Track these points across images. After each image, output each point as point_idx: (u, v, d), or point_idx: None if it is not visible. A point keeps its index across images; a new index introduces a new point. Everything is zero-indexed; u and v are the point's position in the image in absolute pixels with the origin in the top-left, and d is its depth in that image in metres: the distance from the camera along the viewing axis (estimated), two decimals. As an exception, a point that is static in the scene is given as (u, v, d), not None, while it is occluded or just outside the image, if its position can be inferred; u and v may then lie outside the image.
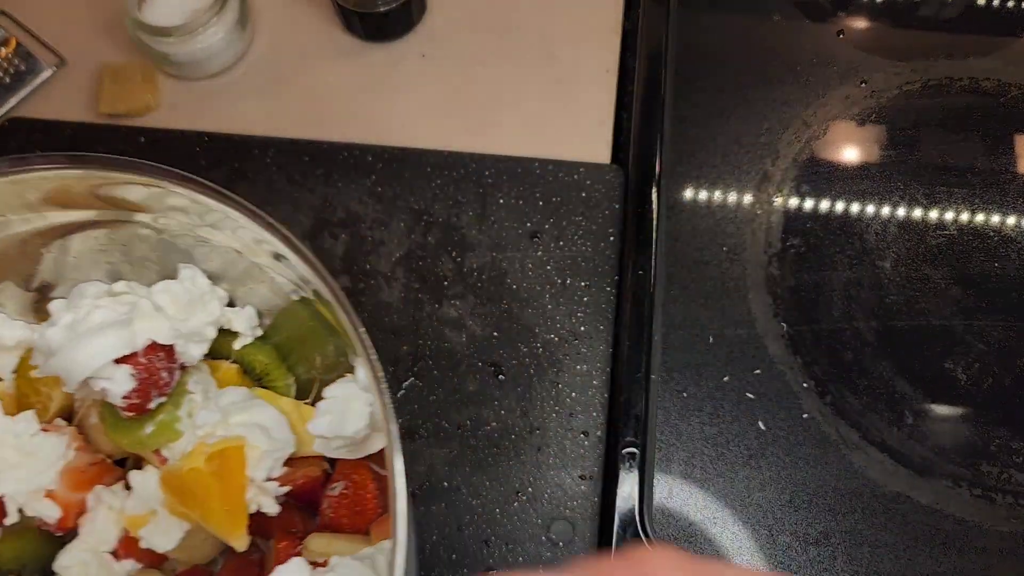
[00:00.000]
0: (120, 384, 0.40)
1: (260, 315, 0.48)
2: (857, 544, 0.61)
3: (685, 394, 0.65)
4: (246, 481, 0.42)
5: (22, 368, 0.44)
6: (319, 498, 0.45)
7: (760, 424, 0.64)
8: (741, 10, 0.80)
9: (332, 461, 0.46)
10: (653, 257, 0.67)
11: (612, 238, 0.68)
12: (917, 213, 0.71)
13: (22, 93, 0.73)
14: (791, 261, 0.69)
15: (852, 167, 0.73)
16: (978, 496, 0.63)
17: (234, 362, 0.47)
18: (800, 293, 0.68)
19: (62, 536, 0.46)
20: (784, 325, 0.67)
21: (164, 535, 0.43)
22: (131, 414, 0.41)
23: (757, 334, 0.67)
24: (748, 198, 0.72)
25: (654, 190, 0.70)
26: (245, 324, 0.46)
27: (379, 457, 0.44)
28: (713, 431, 0.64)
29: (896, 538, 0.61)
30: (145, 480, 0.44)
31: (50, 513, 0.44)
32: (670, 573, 0.23)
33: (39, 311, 0.44)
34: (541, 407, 0.63)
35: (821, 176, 0.73)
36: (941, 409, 0.65)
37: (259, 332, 0.48)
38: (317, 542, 0.44)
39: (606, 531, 0.60)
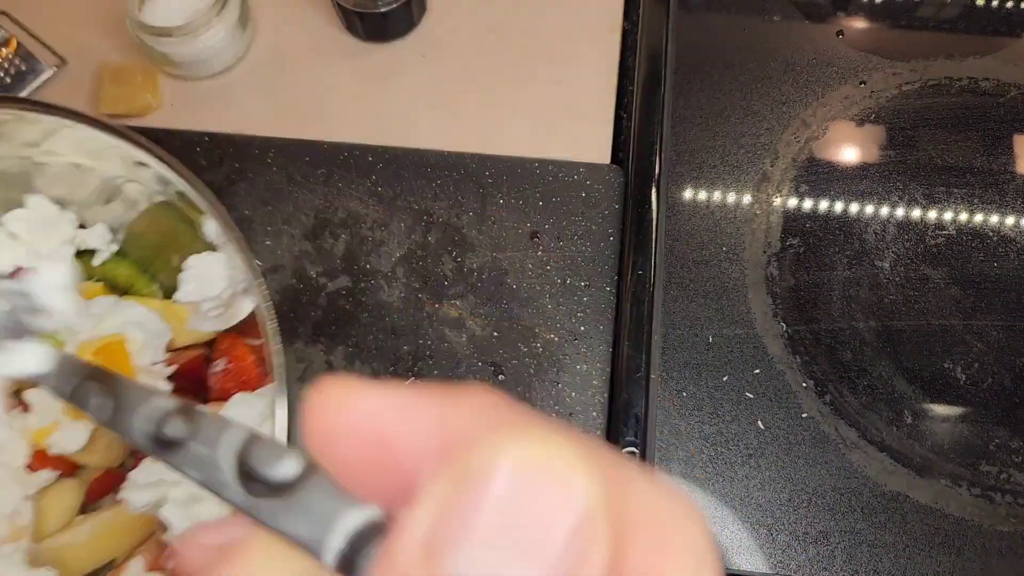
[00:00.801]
0: None
1: (113, 232, 0.50)
2: (857, 544, 0.61)
3: (685, 394, 0.65)
4: (133, 368, 0.46)
5: None
6: (205, 377, 0.49)
7: (759, 424, 0.64)
8: (741, 10, 0.80)
9: (210, 344, 0.50)
10: (653, 257, 0.67)
11: (612, 238, 0.68)
12: (916, 213, 0.71)
13: (22, 93, 0.73)
14: (790, 261, 0.70)
15: (851, 167, 0.73)
16: (977, 496, 0.63)
17: (98, 281, 0.50)
18: (799, 293, 0.68)
19: None
20: (783, 325, 0.67)
21: (71, 439, 0.46)
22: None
23: (756, 334, 0.67)
24: (747, 198, 0.72)
25: (654, 190, 0.70)
26: (99, 240, 0.49)
27: (250, 329, 0.47)
28: (712, 431, 0.64)
29: (896, 538, 0.61)
30: (40, 395, 0.46)
31: None
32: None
33: None
34: (541, 407, 0.63)
35: (820, 176, 0.73)
36: (940, 409, 0.65)
37: (115, 247, 0.50)
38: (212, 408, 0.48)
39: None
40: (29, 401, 0.47)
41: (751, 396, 0.65)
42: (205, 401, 0.50)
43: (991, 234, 0.71)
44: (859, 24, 0.79)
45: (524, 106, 0.75)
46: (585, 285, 0.67)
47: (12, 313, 0.35)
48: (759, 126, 0.74)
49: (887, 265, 0.70)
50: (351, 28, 0.76)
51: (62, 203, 0.47)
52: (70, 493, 0.49)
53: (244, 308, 0.46)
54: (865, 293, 0.69)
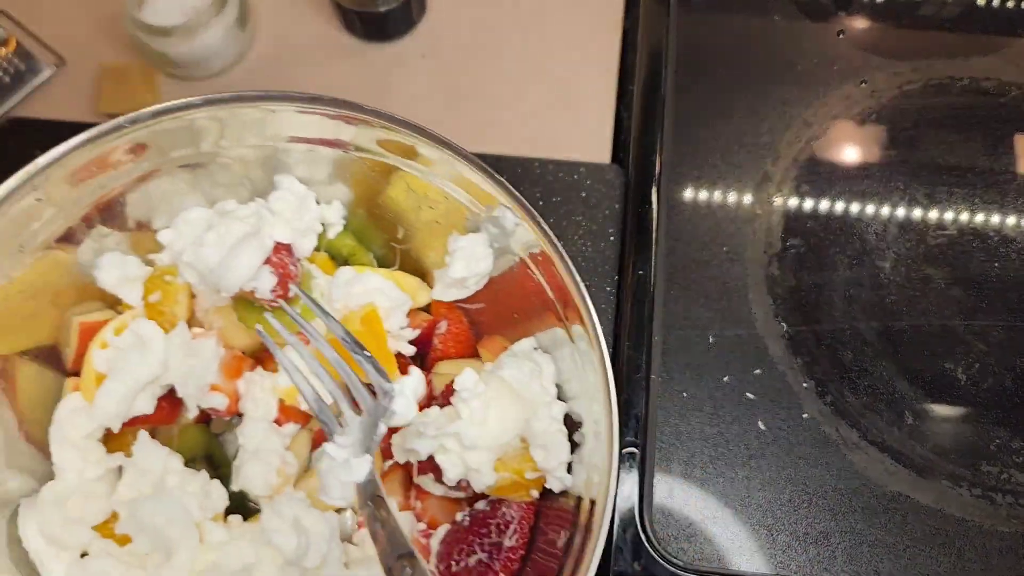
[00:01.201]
0: (266, 282, 0.48)
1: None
2: (857, 544, 0.61)
3: (685, 394, 0.65)
4: (385, 333, 0.52)
5: (147, 293, 0.51)
6: (431, 338, 0.55)
7: (760, 424, 0.64)
8: (741, 10, 0.80)
9: (426, 309, 0.57)
10: (653, 257, 0.67)
11: (612, 238, 0.68)
12: (917, 213, 0.71)
13: (22, 93, 0.73)
14: (791, 261, 0.69)
15: (852, 167, 0.73)
16: (978, 496, 0.63)
17: (321, 251, 0.55)
18: (800, 293, 0.68)
19: (214, 430, 0.56)
20: (784, 325, 0.67)
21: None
22: (277, 304, 0.49)
23: (757, 334, 0.67)
24: (748, 198, 0.72)
25: (654, 190, 0.70)
26: (335, 216, 0.53)
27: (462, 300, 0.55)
28: (713, 431, 0.64)
29: (896, 538, 0.61)
30: (293, 356, 0.52)
31: (219, 402, 0.52)
32: None
33: (138, 247, 0.51)
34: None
35: (821, 176, 0.73)
36: (941, 409, 0.65)
37: (343, 222, 0.55)
38: (445, 366, 0.55)
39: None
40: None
41: (752, 397, 0.65)
42: (427, 359, 0.56)
43: (992, 234, 0.71)
44: (860, 24, 0.79)
45: (524, 106, 0.75)
46: (585, 285, 0.67)
47: (371, 421, 0.44)
48: (760, 126, 0.74)
49: (888, 265, 0.69)
50: (351, 28, 0.76)
51: (304, 183, 0.52)
52: (304, 442, 0.55)
53: (472, 283, 0.52)
54: (866, 293, 0.68)
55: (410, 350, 0.55)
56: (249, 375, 0.53)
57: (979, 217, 0.71)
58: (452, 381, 0.52)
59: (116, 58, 0.75)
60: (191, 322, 0.53)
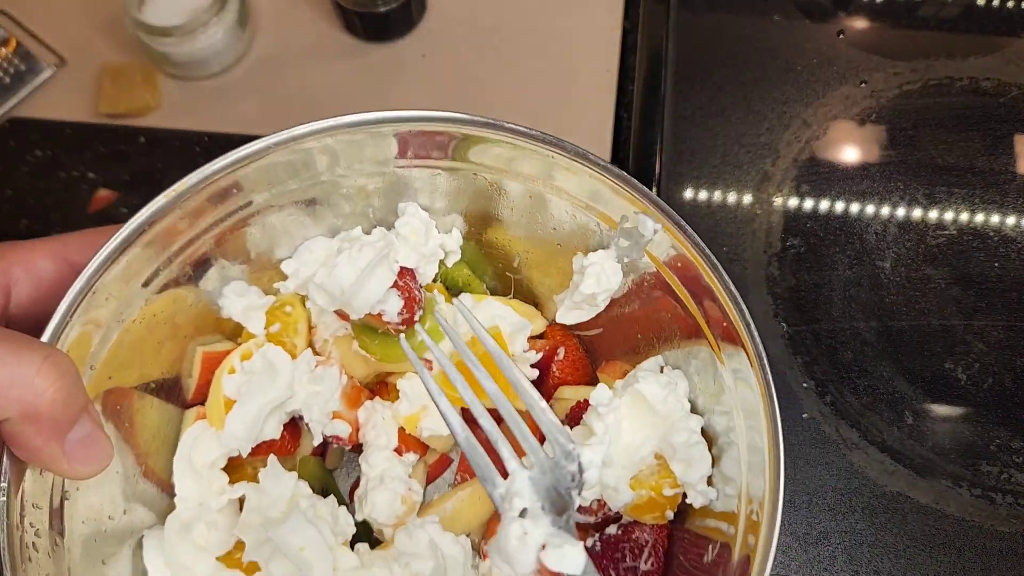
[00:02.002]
0: (393, 305, 0.48)
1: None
2: (857, 544, 0.61)
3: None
4: (511, 355, 0.53)
5: (267, 324, 0.52)
6: (550, 365, 0.56)
7: (760, 424, 0.64)
8: (741, 10, 0.80)
9: (540, 336, 0.57)
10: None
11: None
12: (917, 213, 0.71)
13: (22, 93, 0.73)
14: (791, 261, 0.69)
15: (852, 167, 0.73)
16: (978, 496, 0.63)
17: (435, 281, 0.55)
18: (800, 293, 0.68)
19: (329, 468, 0.57)
20: (784, 325, 0.67)
21: (443, 423, 0.50)
22: (403, 328, 0.50)
23: (757, 334, 0.67)
24: (748, 198, 0.72)
25: (654, 190, 0.70)
26: (454, 244, 0.54)
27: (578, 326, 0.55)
28: (713, 431, 0.64)
29: (896, 538, 0.61)
30: (413, 384, 0.53)
31: (343, 430, 0.53)
32: None
33: (259, 279, 0.52)
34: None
35: (821, 176, 0.73)
36: (941, 409, 0.65)
37: (460, 251, 0.55)
38: (567, 391, 0.55)
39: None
40: (401, 389, 0.53)
41: (751, 396, 0.65)
42: (545, 386, 0.56)
43: (992, 234, 0.71)
44: (860, 24, 0.79)
45: (524, 106, 0.75)
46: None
47: (554, 487, 0.39)
48: (760, 126, 0.74)
49: (888, 265, 0.70)
50: (351, 28, 0.76)
51: (426, 210, 0.52)
52: (421, 472, 0.56)
53: (601, 302, 0.52)
54: (866, 293, 0.68)
55: (533, 373, 0.56)
56: (370, 404, 0.54)
57: (979, 217, 0.71)
58: (576, 404, 0.51)
59: (116, 58, 0.75)
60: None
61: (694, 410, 0.49)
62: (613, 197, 0.46)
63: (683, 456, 0.47)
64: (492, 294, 0.57)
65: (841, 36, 0.78)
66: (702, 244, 0.44)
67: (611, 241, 0.49)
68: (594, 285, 0.49)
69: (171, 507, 0.49)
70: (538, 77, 0.76)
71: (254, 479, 0.51)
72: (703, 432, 0.48)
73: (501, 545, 0.38)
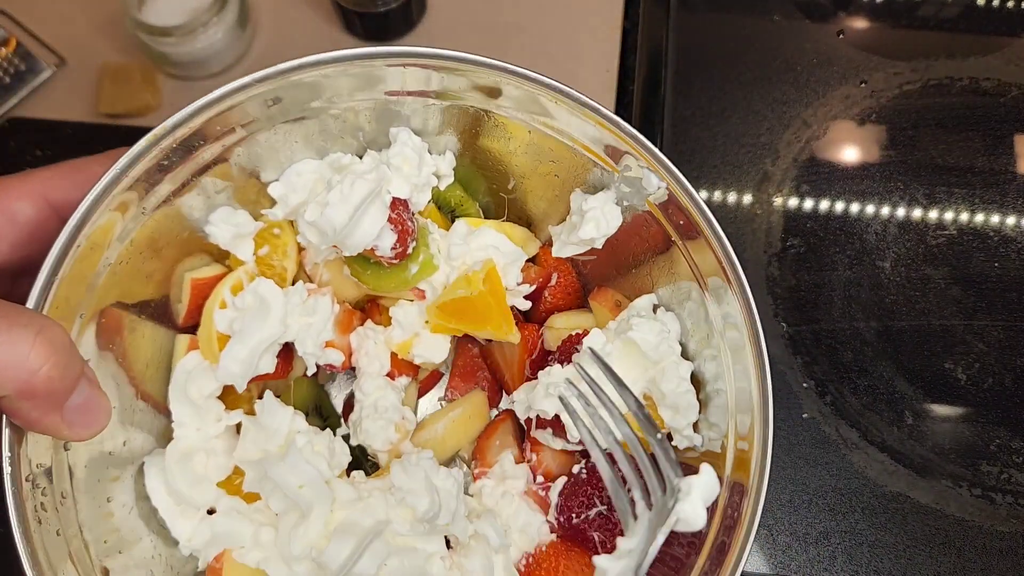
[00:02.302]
0: (386, 240, 0.48)
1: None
2: (857, 544, 0.61)
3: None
4: (504, 292, 0.52)
5: (256, 248, 0.51)
6: (542, 291, 0.56)
7: (760, 424, 0.64)
8: (741, 10, 0.80)
9: (532, 260, 0.56)
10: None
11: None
12: (917, 213, 0.71)
13: (22, 93, 0.73)
14: (791, 261, 0.69)
15: (852, 167, 0.73)
16: (978, 496, 0.63)
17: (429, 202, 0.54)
18: (800, 293, 0.68)
19: (320, 382, 0.58)
20: (784, 325, 0.67)
21: (435, 350, 0.53)
22: (396, 261, 0.49)
23: (757, 334, 0.67)
24: (748, 198, 0.72)
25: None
26: (448, 167, 0.53)
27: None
28: (713, 431, 0.64)
29: (896, 538, 0.61)
30: (406, 312, 0.53)
31: (336, 359, 0.53)
32: None
33: (245, 201, 0.50)
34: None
35: (821, 176, 0.73)
36: (941, 409, 0.65)
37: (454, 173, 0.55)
38: (559, 320, 0.55)
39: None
40: (393, 316, 0.53)
41: (752, 396, 0.65)
42: (537, 311, 0.56)
43: (992, 234, 0.71)
44: (860, 24, 0.79)
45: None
46: (585, 285, 0.67)
47: (656, 522, 0.39)
48: (760, 126, 0.74)
49: (888, 265, 0.70)
50: (351, 28, 0.76)
51: (417, 134, 0.51)
52: (412, 392, 0.57)
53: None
54: (866, 293, 0.68)
55: (525, 305, 0.55)
56: (362, 330, 0.54)
57: (979, 217, 0.71)
58: (569, 336, 0.51)
59: (116, 58, 0.75)
60: (297, 275, 0.54)
61: (684, 354, 0.49)
62: (617, 144, 0.46)
63: (672, 403, 0.47)
64: (484, 214, 0.56)
65: (841, 36, 0.78)
66: (693, 192, 0.45)
67: (612, 183, 0.48)
68: (593, 230, 0.49)
69: (168, 428, 0.49)
70: (538, 77, 0.76)
71: (250, 405, 0.51)
72: (692, 378, 0.48)
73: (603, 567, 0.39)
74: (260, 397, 0.51)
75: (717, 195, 0.72)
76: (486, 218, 0.56)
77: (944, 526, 0.62)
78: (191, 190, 0.46)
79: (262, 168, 0.49)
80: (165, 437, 0.49)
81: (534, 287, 0.55)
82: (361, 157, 0.50)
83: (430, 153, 0.52)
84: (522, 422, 0.54)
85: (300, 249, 0.52)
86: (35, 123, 0.72)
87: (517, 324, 0.53)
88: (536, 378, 0.52)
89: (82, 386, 0.36)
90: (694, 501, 0.39)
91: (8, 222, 0.39)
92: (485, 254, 0.52)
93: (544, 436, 0.52)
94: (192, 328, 0.51)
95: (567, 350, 0.51)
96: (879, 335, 0.67)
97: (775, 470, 0.62)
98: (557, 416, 0.49)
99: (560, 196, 0.52)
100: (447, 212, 0.55)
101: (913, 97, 0.76)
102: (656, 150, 0.45)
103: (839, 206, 0.71)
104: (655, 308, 0.51)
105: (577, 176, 0.50)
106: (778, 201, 0.72)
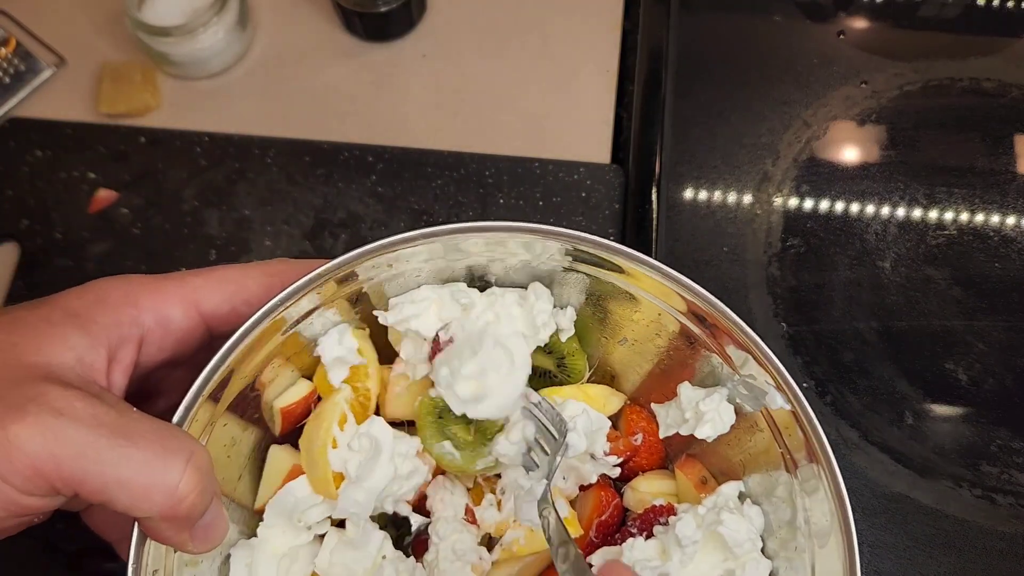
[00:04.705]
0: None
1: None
2: (857, 544, 0.61)
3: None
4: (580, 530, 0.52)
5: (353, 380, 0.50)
6: (629, 456, 0.54)
7: (760, 424, 0.64)
8: (741, 10, 0.80)
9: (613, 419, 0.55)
10: (653, 257, 0.67)
11: (612, 238, 0.68)
12: (917, 213, 0.71)
13: (22, 93, 0.73)
14: (791, 261, 0.69)
15: (852, 167, 0.73)
16: (979, 496, 0.63)
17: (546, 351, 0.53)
18: (800, 293, 0.68)
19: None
20: (784, 325, 0.67)
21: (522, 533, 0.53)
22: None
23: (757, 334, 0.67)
24: (748, 198, 0.72)
25: (654, 190, 0.70)
26: (568, 323, 0.52)
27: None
28: (713, 431, 0.64)
29: (896, 538, 0.61)
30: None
31: (405, 509, 0.52)
32: None
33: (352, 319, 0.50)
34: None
35: (821, 176, 0.73)
36: (942, 409, 0.65)
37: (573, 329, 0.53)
38: (643, 484, 0.54)
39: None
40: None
41: (752, 397, 0.65)
42: (622, 471, 0.54)
43: (992, 234, 0.71)
44: (860, 24, 0.79)
45: (524, 106, 0.75)
46: (585, 285, 0.67)
47: (552, 457, 0.46)
48: (760, 126, 0.74)
49: (888, 265, 0.69)
50: (351, 28, 0.76)
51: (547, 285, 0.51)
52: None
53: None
54: (866, 293, 0.68)
55: (615, 472, 0.54)
56: (438, 481, 0.53)
57: (979, 217, 0.71)
58: (653, 508, 0.50)
59: (117, 58, 0.75)
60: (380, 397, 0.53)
61: (764, 550, 0.49)
62: (746, 358, 0.46)
63: None
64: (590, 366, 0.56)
65: (841, 36, 0.78)
66: (813, 418, 0.44)
67: (728, 382, 0.48)
68: (709, 430, 0.48)
69: (251, 519, 0.49)
70: (538, 77, 0.76)
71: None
72: None
73: (515, 505, 0.47)
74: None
75: (717, 195, 0.72)
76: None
77: (945, 526, 0.62)
78: (325, 311, 0.46)
79: (389, 292, 0.49)
80: (249, 528, 0.49)
81: (622, 459, 0.53)
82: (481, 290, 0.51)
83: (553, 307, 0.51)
84: None
85: (383, 383, 0.52)
86: (35, 123, 0.72)
87: (591, 486, 0.53)
88: (603, 541, 0.51)
89: (213, 505, 0.37)
90: (579, 434, 0.48)
91: (161, 327, 0.40)
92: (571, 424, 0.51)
93: None
94: (285, 439, 0.51)
95: (649, 521, 0.50)
96: (879, 335, 0.67)
97: (775, 470, 0.62)
98: None
99: (667, 372, 0.51)
100: (557, 359, 0.54)
101: (914, 97, 0.76)
102: (783, 368, 0.44)
103: (839, 206, 0.71)
104: (741, 496, 0.50)
105: (690, 362, 0.49)
106: (778, 201, 0.71)
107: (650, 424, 0.54)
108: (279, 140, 0.71)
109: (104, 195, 0.70)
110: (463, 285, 0.50)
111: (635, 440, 0.53)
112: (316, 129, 0.73)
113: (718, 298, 0.44)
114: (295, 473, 0.49)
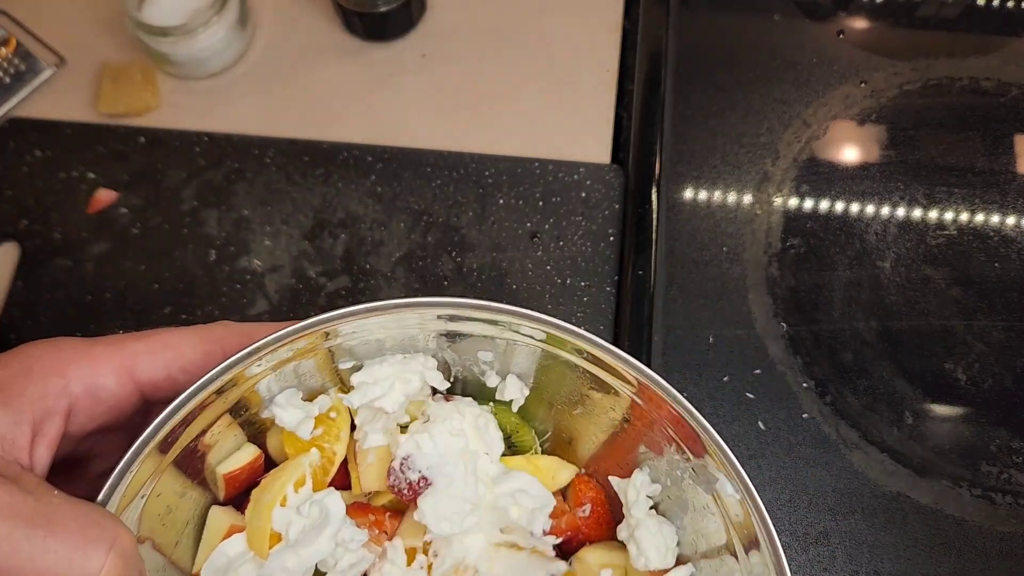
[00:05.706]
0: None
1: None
2: (857, 544, 0.61)
3: (685, 394, 0.64)
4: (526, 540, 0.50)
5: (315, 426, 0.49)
6: (573, 524, 0.52)
7: (760, 424, 0.64)
8: (741, 10, 0.80)
9: (563, 491, 0.53)
10: (653, 257, 0.67)
11: (612, 238, 0.68)
12: (917, 213, 0.71)
13: (22, 93, 0.73)
14: (791, 261, 0.69)
15: (852, 167, 0.73)
16: (978, 496, 0.63)
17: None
18: (800, 293, 0.68)
19: None
20: (784, 325, 0.67)
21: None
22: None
23: (757, 334, 0.67)
24: (748, 198, 0.72)
25: (654, 190, 0.70)
26: (516, 391, 0.50)
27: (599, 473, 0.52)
28: (713, 431, 0.64)
29: (896, 538, 0.61)
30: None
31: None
32: None
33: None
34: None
35: (821, 176, 0.73)
36: (941, 409, 0.65)
37: (526, 394, 0.51)
38: (591, 555, 0.51)
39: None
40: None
41: (752, 397, 0.65)
42: (568, 549, 0.52)
43: (992, 234, 0.71)
44: (860, 23, 0.79)
45: (524, 106, 0.75)
46: (585, 285, 0.67)
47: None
48: (760, 126, 0.74)
49: (888, 265, 0.69)
50: (351, 28, 0.76)
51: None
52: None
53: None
54: (866, 293, 0.68)
55: (551, 552, 0.52)
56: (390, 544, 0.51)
57: (979, 217, 0.71)
58: None
59: (116, 58, 0.75)
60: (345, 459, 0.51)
61: None
62: (703, 444, 0.44)
63: None
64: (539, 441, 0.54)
65: (841, 36, 0.78)
66: (761, 507, 0.42)
67: (680, 468, 0.46)
68: (657, 558, 0.47)
69: None
70: (538, 77, 0.76)
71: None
72: None
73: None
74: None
75: (717, 195, 0.72)
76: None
77: (944, 526, 0.62)
78: (272, 374, 0.44)
79: (342, 358, 0.48)
80: None
81: (561, 540, 0.51)
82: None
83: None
84: None
85: (352, 441, 0.51)
86: (35, 123, 0.72)
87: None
88: None
89: None
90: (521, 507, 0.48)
91: (91, 397, 0.38)
92: (512, 500, 0.49)
93: None
94: (229, 502, 0.49)
95: None
96: (879, 335, 0.67)
97: (775, 470, 0.63)
98: None
99: (624, 443, 0.49)
100: (503, 438, 0.52)
101: (913, 97, 0.76)
102: (735, 460, 0.42)
103: (839, 206, 0.71)
104: None
105: (649, 441, 0.48)
106: (778, 201, 0.71)
107: (599, 494, 0.52)
108: (278, 140, 0.72)
109: (103, 195, 0.70)
110: (429, 359, 0.48)
111: (582, 512, 0.51)
112: (315, 129, 0.73)
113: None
114: (232, 533, 0.47)
